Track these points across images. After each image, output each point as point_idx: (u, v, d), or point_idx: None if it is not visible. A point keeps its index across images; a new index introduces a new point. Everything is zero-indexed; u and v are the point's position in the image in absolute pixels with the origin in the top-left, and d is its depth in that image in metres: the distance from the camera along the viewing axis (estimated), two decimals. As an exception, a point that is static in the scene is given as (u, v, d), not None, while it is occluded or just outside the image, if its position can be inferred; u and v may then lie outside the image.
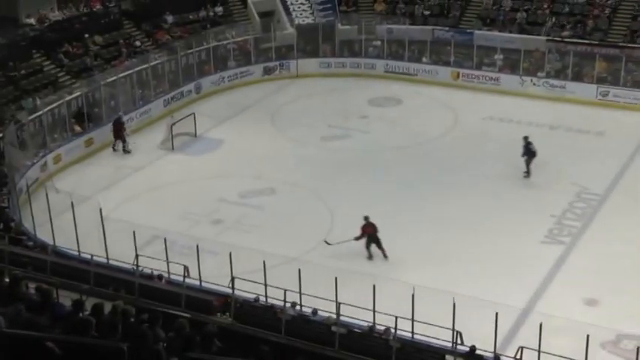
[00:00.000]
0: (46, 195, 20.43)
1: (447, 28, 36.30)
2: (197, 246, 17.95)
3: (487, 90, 33.71)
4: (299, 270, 16.59)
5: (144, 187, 25.79)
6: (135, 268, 17.48)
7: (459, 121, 30.70)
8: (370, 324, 16.30)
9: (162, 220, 22.53)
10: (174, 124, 28.72)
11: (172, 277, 18.01)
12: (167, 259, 18.29)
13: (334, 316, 15.61)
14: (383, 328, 15.83)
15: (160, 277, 17.85)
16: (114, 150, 28.46)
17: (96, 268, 16.77)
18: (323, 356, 13.83)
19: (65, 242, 20.12)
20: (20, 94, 29.25)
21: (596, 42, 33.57)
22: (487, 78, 34.20)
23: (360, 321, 16.20)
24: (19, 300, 9.14)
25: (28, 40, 31.88)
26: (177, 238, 20.18)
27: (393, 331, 15.01)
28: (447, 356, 14.61)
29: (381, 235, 21.39)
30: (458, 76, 34.65)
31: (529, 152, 25.76)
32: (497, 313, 14.96)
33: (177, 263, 17.98)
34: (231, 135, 29.91)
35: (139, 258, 17.80)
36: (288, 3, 38.13)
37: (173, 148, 28.56)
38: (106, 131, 28.91)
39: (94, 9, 35.11)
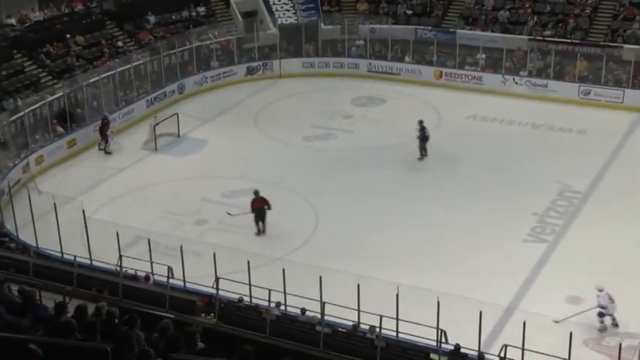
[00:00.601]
0: (29, 196, 20.33)
1: (429, 28, 36.39)
2: (181, 246, 17.92)
3: (470, 89, 33.83)
4: (283, 270, 16.60)
5: (127, 187, 25.70)
6: (118, 269, 17.42)
7: (442, 121, 30.76)
8: (355, 323, 16.33)
9: (146, 220, 22.44)
10: (157, 124, 28.63)
11: (156, 277, 17.95)
12: (151, 259, 18.25)
13: (319, 316, 15.62)
14: (367, 327, 15.87)
15: (147, 277, 17.79)
16: (99, 149, 28.32)
17: (79, 270, 16.67)
18: (308, 356, 13.84)
19: (48, 244, 20.04)
20: (1, 94, 29.03)
21: (578, 41, 33.77)
22: (470, 77, 34.32)
23: (345, 320, 16.23)
24: (1, 302, 9.08)
25: (9, 40, 31.68)
26: (161, 238, 20.12)
27: (377, 329, 15.04)
28: (431, 355, 14.64)
29: (365, 233, 21.42)
30: (441, 76, 34.74)
31: (423, 136, 26.91)
32: (481, 312, 15.02)
33: (161, 264, 17.93)
34: (215, 135, 29.85)
35: (123, 259, 17.74)
36: (271, 3, 38.09)
37: (156, 149, 28.47)
38: (88, 132, 28.79)
39: (76, 9, 34.94)
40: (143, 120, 30.57)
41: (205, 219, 23.56)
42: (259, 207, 22.40)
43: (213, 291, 16.34)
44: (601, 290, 18.04)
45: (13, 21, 32.73)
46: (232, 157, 27.84)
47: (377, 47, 36.42)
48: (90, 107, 29.49)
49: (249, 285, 17.06)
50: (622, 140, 28.59)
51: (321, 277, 15.90)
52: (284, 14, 37.88)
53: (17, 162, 25.61)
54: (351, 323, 16.29)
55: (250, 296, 17.18)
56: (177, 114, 29.53)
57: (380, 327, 15.09)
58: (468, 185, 25.18)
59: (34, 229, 20.24)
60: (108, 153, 28.24)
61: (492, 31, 35.49)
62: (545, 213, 23.52)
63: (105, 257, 18.64)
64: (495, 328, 17.53)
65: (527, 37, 34.58)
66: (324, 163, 27.34)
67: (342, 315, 16.06)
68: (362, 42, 36.60)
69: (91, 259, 19.10)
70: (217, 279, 16.46)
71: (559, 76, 33.05)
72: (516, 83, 33.30)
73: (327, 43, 37.20)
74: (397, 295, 15.42)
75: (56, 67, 31.78)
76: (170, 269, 17.53)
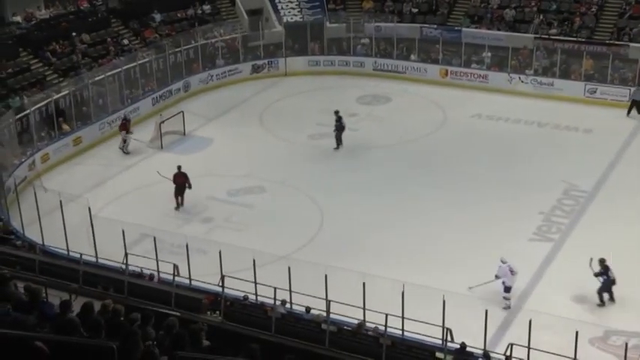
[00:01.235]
0: (35, 194, 20.36)
1: (435, 26, 36.36)
2: (187, 244, 17.91)
3: (475, 87, 33.78)
4: (289, 268, 16.59)
5: (133, 185, 25.72)
6: (124, 266, 17.43)
7: (447, 119, 30.76)
8: (360, 321, 16.32)
9: (152, 218, 22.46)
10: (162, 122, 28.65)
11: (162, 275, 17.97)
12: (156, 257, 18.26)
13: (324, 314, 15.61)
14: (372, 326, 15.86)
15: (151, 276, 17.80)
16: (123, 152, 28.32)
17: (85, 267, 16.72)
18: (313, 354, 13.86)
19: (54, 241, 20.07)
20: (7, 92, 29.08)
21: (584, 39, 33.69)
22: (475, 76, 34.27)
23: (350, 319, 16.22)
24: (8, 299, 9.09)
25: (15, 38, 31.75)
26: (167, 236, 20.11)
27: (382, 328, 15.03)
28: (437, 353, 14.63)
29: (370, 232, 21.39)
30: (446, 74, 34.71)
31: (340, 127, 27.65)
32: (486, 310, 15.01)
33: (166, 262, 17.94)
34: (220, 133, 29.86)
35: (129, 257, 17.74)
36: (277, 1, 38.12)
37: (162, 147, 28.49)
38: (94, 130, 28.84)
39: (82, 7, 35.02)
40: (149, 118, 30.58)
41: (211, 217, 23.58)
42: (180, 182, 23.79)
43: (219, 289, 16.34)
44: (504, 262, 18.98)
45: (19, 19, 32.80)
46: (238, 156, 27.85)
47: (382, 45, 36.42)
48: (95, 105, 29.53)
49: (255, 283, 17.06)
50: (628, 139, 28.52)
51: (326, 276, 15.90)
52: (289, 12, 37.89)
53: (23, 160, 25.66)
54: (356, 322, 16.30)
55: (256, 294, 17.18)
56: (182, 112, 29.54)
57: (385, 325, 15.09)
58: (473, 184, 25.14)
59: (40, 226, 20.28)
60: (126, 153, 28.16)
61: (498, 30, 35.46)
62: (551, 212, 23.48)
63: (111, 255, 18.66)
64: (501, 326, 17.52)
65: (533, 35, 34.54)
66: (329, 161, 27.31)
67: (347, 313, 16.04)
68: (367, 40, 36.60)
69: (96, 257, 19.14)
70: (223, 277, 16.46)
71: (565, 75, 33.00)
72: (522, 82, 33.24)
73: (332, 41, 37.20)
74: (403, 294, 15.41)
75: (62, 65, 31.83)
76: (176, 267, 17.53)
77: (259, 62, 36.01)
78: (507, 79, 33.50)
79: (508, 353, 14.89)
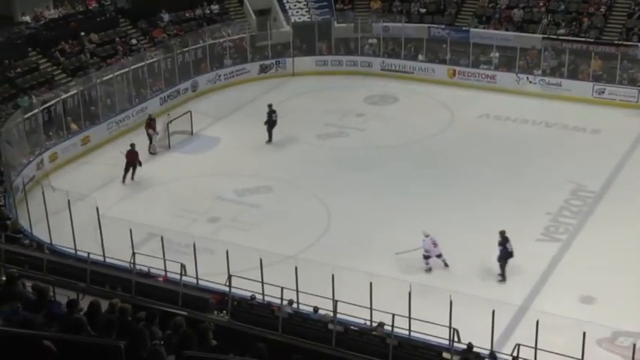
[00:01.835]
0: (43, 193, 20.42)
1: (443, 26, 36.34)
2: (194, 244, 17.94)
3: (483, 88, 33.73)
4: (296, 268, 16.60)
5: (140, 185, 25.76)
6: (131, 266, 17.47)
7: (454, 119, 30.73)
8: (367, 322, 16.33)
9: (159, 218, 22.50)
10: (170, 122, 28.70)
11: (169, 275, 18.00)
12: (164, 257, 18.28)
13: (331, 314, 15.62)
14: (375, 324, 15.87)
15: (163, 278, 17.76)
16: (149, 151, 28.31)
17: (92, 267, 16.79)
18: (320, 354, 13.87)
19: (61, 240, 20.13)
20: (16, 92, 29.22)
21: (592, 40, 33.62)
22: (483, 76, 34.22)
23: (357, 319, 16.22)
24: (16, 298, 9.13)
25: (24, 38, 31.88)
26: (174, 236, 20.14)
27: (388, 328, 15.02)
28: (444, 354, 14.61)
29: (377, 232, 21.38)
30: (454, 74, 34.66)
31: (270, 121, 28.35)
32: (493, 311, 14.98)
33: (174, 261, 17.97)
34: (228, 133, 29.90)
35: (136, 256, 17.78)
36: (284, 1, 38.15)
37: (169, 147, 28.54)
38: (102, 130, 28.90)
39: (90, 7, 35.15)
40: (156, 118, 30.57)
41: (218, 217, 23.61)
42: (131, 159, 25.54)
43: (226, 288, 16.35)
44: (427, 236, 20.49)
45: (28, 19, 32.94)
46: (245, 155, 27.87)
47: (390, 45, 36.41)
48: (104, 105, 29.61)
49: (262, 283, 17.07)
50: (636, 139, 28.43)
51: (333, 276, 15.89)
52: (297, 12, 37.91)
53: (31, 159, 25.73)
54: (363, 322, 16.30)
55: (263, 294, 17.18)
56: (190, 112, 29.59)
57: (392, 325, 15.08)
58: (481, 184, 25.10)
59: (48, 225, 20.34)
60: (152, 153, 28.05)
61: (506, 30, 35.42)
62: (559, 212, 23.43)
63: (118, 254, 18.70)
64: (508, 326, 17.49)
65: (541, 35, 34.49)
66: (337, 161, 27.32)
67: (354, 313, 16.05)
68: (375, 40, 36.59)
69: (104, 256, 19.18)
70: (230, 276, 16.47)
71: (573, 75, 32.93)
72: (530, 82, 33.18)
73: (340, 41, 37.20)
74: (409, 294, 15.40)
75: (70, 65, 31.94)
76: (183, 267, 17.56)
77: (267, 62, 36.04)
78: (515, 79, 33.45)
79: (515, 354, 14.86)
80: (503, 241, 19.99)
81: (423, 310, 15.69)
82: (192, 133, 29.55)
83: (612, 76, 32.21)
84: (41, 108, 26.91)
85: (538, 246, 21.67)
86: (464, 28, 35.88)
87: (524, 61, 33.95)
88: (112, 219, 20.71)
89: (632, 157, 27.15)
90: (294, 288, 16.87)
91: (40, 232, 20.75)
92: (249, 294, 16.83)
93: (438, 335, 15.51)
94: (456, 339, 15.24)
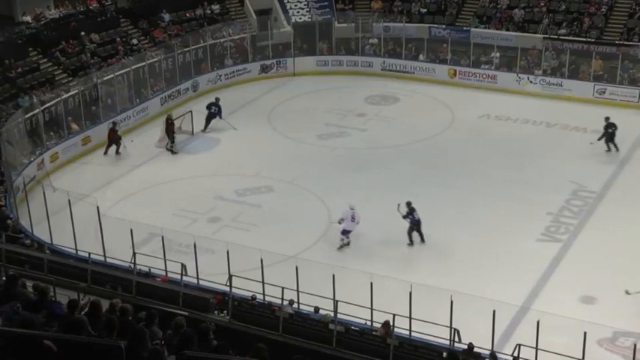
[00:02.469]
0: (43, 193, 20.43)
1: (443, 26, 36.34)
2: (194, 244, 17.94)
3: (484, 88, 33.74)
4: (296, 268, 16.60)
5: (141, 185, 25.77)
6: (132, 266, 17.48)
7: (455, 120, 30.72)
8: (368, 322, 16.33)
9: (160, 218, 22.50)
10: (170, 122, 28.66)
11: (170, 275, 18.01)
12: (164, 257, 18.30)
13: (332, 314, 15.62)
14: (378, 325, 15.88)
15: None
16: (166, 149, 28.33)
17: (93, 267, 16.80)
18: (320, 354, 13.88)
19: (62, 240, 20.15)
20: (17, 92, 29.21)
21: (593, 40, 33.61)
22: (484, 76, 34.21)
23: (358, 319, 16.22)
24: (16, 298, 9.14)
25: (25, 38, 31.87)
26: (175, 236, 20.16)
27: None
28: (444, 354, 14.60)
29: (378, 231, 21.36)
30: (455, 74, 34.66)
31: (211, 115, 29.67)
32: (494, 311, 14.98)
33: (174, 261, 17.98)
34: (228, 133, 29.87)
35: (137, 256, 17.79)
36: (285, 1, 38.13)
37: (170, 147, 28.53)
38: (103, 130, 28.88)
39: (91, 7, 35.10)
40: (157, 118, 30.64)
41: (219, 217, 23.61)
42: (114, 137, 27.63)
43: (227, 288, 16.36)
44: (352, 208, 21.38)
45: (28, 19, 32.91)
46: (246, 155, 27.87)
47: (391, 45, 36.41)
48: (104, 105, 29.61)
49: (263, 283, 17.08)
50: (637, 139, 28.43)
51: (334, 276, 15.90)
52: (298, 12, 37.91)
53: (32, 159, 25.73)
54: (364, 322, 16.30)
55: (263, 294, 17.19)
56: (191, 112, 29.59)
57: (393, 325, 15.09)
58: (481, 184, 25.10)
59: (49, 225, 20.34)
60: (175, 152, 28.14)
61: (507, 30, 35.41)
62: (560, 212, 23.43)
63: (119, 254, 18.72)
64: (509, 327, 17.48)
65: (542, 35, 34.49)
66: (338, 161, 27.32)
67: (355, 313, 16.05)
68: (376, 40, 36.60)
69: (105, 256, 19.19)
70: (230, 276, 16.48)
71: (574, 75, 32.92)
72: (531, 82, 33.17)
73: (341, 41, 37.21)
74: (410, 294, 15.40)
75: (71, 65, 31.93)
76: (183, 267, 17.56)
77: (268, 62, 36.04)
78: (516, 79, 33.44)
79: (516, 354, 14.87)
80: (410, 211, 21.35)
81: (423, 310, 15.69)
82: (192, 133, 29.55)
83: (613, 77, 32.20)
84: (42, 108, 26.90)
85: (539, 246, 21.67)
86: (465, 28, 35.88)
87: (525, 61, 33.95)
88: (112, 219, 20.72)
89: (632, 157, 27.15)
90: (295, 288, 16.87)
91: (40, 232, 20.76)
92: (250, 294, 16.83)
93: (438, 335, 15.52)
94: (456, 339, 15.24)
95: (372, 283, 15.79)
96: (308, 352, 13.62)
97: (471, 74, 34.38)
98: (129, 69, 30.78)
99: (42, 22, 32.93)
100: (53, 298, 10.36)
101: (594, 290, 19.32)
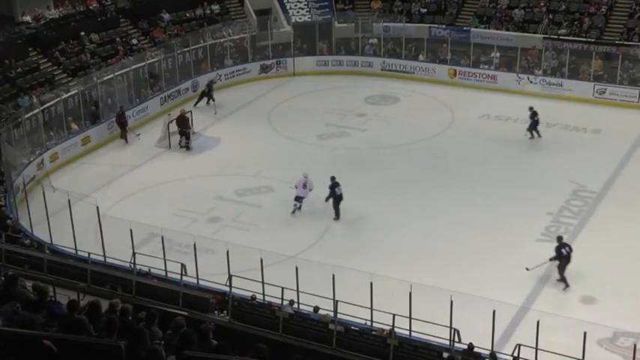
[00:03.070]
0: (43, 193, 20.42)
1: (443, 26, 36.34)
2: (194, 244, 17.93)
3: (484, 88, 33.74)
4: (296, 268, 16.59)
5: (141, 185, 25.77)
6: (132, 266, 17.47)
7: (455, 120, 30.71)
8: (367, 322, 16.31)
9: (159, 218, 22.48)
10: (171, 122, 28.68)
11: (170, 275, 18.00)
12: (164, 257, 18.28)
13: (331, 314, 15.62)
14: (380, 327, 15.85)
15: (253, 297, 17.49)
16: (180, 146, 28.53)
17: (93, 267, 16.78)
18: (320, 354, 13.87)
19: (62, 240, 20.14)
20: (17, 92, 29.21)
21: (593, 40, 33.61)
22: (484, 76, 34.21)
23: (358, 319, 16.21)
24: (16, 298, 9.13)
25: (25, 38, 31.87)
26: (175, 236, 20.16)
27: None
28: (444, 354, 14.60)
29: (377, 232, 21.36)
30: (455, 74, 34.66)
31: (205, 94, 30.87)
32: (494, 311, 14.97)
33: (174, 261, 17.96)
34: (228, 133, 29.87)
35: (136, 256, 17.78)
36: (285, 1, 38.13)
37: (170, 147, 28.52)
38: (102, 129, 28.93)
39: (91, 7, 35.12)
40: (157, 118, 30.64)
41: (219, 217, 23.60)
42: (122, 121, 28.61)
43: (227, 289, 16.35)
44: (305, 177, 23.36)
45: (28, 19, 32.91)
46: (246, 155, 27.86)
47: (391, 45, 36.41)
48: (104, 105, 29.62)
49: (263, 283, 17.06)
50: (637, 139, 28.42)
51: (333, 276, 15.89)
52: (298, 12, 37.90)
53: (32, 159, 25.73)
54: (364, 322, 16.29)
55: (263, 294, 17.18)
56: (191, 111, 29.56)
57: (393, 325, 15.08)
58: (481, 184, 25.11)
59: (49, 225, 20.33)
60: (189, 149, 28.44)
61: (507, 30, 35.41)
62: (560, 212, 23.42)
63: (118, 254, 18.70)
64: (509, 327, 17.48)
65: (542, 35, 34.49)
66: (338, 161, 27.31)
67: (354, 313, 16.04)
68: (376, 40, 36.60)
69: (104, 256, 19.18)
70: (230, 277, 16.47)
71: (574, 75, 32.93)
72: (531, 82, 33.17)
73: (340, 41, 37.21)
74: (410, 294, 15.39)
75: (71, 65, 31.93)
76: (183, 267, 17.55)
77: (268, 62, 36.04)
78: (516, 79, 33.44)
79: (516, 354, 14.85)
80: (334, 185, 22.78)
81: (423, 310, 15.68)
82: (192, 133, 29.50)
83: (613, 77, 32.20)
84: (42, 108, 26.91)
85: (539, 246, 21.63)
86: (465, 28, 35.88)
87: (525, 61, 33.95)
88: (112, 219, 20.72)
89: (632, 157, 27.14)
90: (295, 288, 16.86)
91: (40, 232, 20.75)
92: (250, 294, 16.82)
93: (438, 335, 15.51)
94: (456, 339, 15.23)
95: (371, 283, 15.78)
96: (308, 352, 13.61)
97: (471, 74, 34.38)
98: (129, 69, 30.78)
99: (42, 22, 32.93)
100: (53, 298, 10.35)
101: (594, 290, 19.32)
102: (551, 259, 19.59)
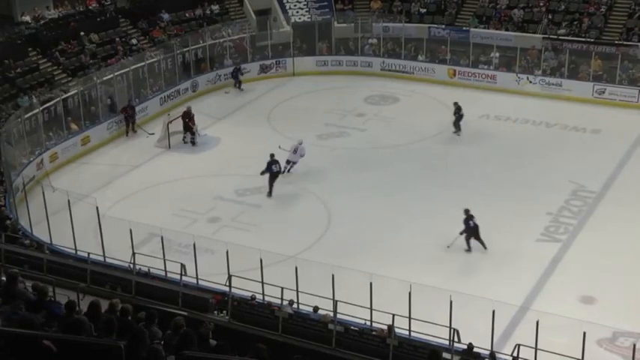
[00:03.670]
0: (43, 193, 20.42)
1: (443, 26, 36.34)
2: (194, 244, 17.94)
3: (483, 88, 33.74)
4: (296, 268, 16.59)
5: (140, 185, 25.77)
6: (132, 266, 17.47)
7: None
8: (367, 322, 16.32)
9: (159, 218, 22.47)
10: (170, 122, 28.68)
11: (169, 275, 18.00)
12: (164, 257, 18.28)
13: (331, 314, 15.62)
14: (379, 327, 15.85)
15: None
16: (184, 142, 28.71)
17: (92, 267, 16.77)
18: (320, 354, 13.88)
19: (62, 240, 20.14)
20: (16, 92, 29.19)
21: (592, 40, 33.61)
22: (483, 76, 34.21)
23: (357, 319, 16.21)
24: (16, 298, 9.13)
25: (24, 38, 31.86)
26: (174, 236, 20.16)
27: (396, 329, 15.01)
28: (444, 354, 14.59)
29: (377, 232, 21.38)
30: (454, 74, 34.66)
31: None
32: (493, 311, 14.97)
33: (174, 261, 17.96)
34: (228, 133, 29.88)
35: (136, 256, 17.77)
36: (285, 1, 38.14)
37: (170, 147, 28.52)
38: (102, 129, 28.92)
39: (90, 7, 35.10)
40: (156, 118, 30.63)
41: (218, 217, 23.61)
42: (125, 111, 29.06)
43: (226, 289, 16.35)
44: (300, 143, 25.74)
45: (28, 19, 32.90)
46: (245, 155, 27.82)
47: (390, 45, 36.39)
48: (104, 105, 29.62)
49: (262, 283, 17.06)
50: (637, 139, 28.43)
51: (333, 276, 15.89)
52: (297, 12, 37.91)
53: (31, 159, 25.73)
54: (363, 322, 16.29)
55: (263, 294, 17.18)
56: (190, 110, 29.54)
57: (392, 325, 15.08)
58: (481, 184, 25.10)
59: (48, 225, 20.34)
60: (194, 144, 28.69)
61: (506, 30, 35.41)
62: (559, 212, 23.43)
63: (118, 254, 18.70)
64: (508, 327, 17.49)
65: (541, 35, 34.49)
66: (338, 161, 27.31)
67: (354, 313, 16.05)
68: (375, 40, 36.59)
69: (104, 256, 19.18)
70: (230, 277, 16.47)
71: (573, 75, 32.92)
72: (530, 82, 33.17)
73: (340, 41, 37.19)
74: (410, 294, 15.39)
75: (70, 65, 31.92)
76: (183, 267, 17.55)
77: (267, 62, 36.03)
78: (515, 79, 33.44)
79: (515, 354, 14.86)
80: (271, 162, 24.57)
81: (423, 310, 15.68)
82: (196, 131, 29.49)
83: (612, 76, 32.21)
84: (41, 108, 26.89)
85: (538, 246, 21.68)
86: (464, 28, 35.88)
87: (525, 61, 33.95)
88: (112, 219, 20.72)
89: (632, 157, 27.15)
90: (294, 288, 16.87)
91: (40, 232, 20.75)
92: (250, 294, 16.83)
93: (438, 335, 15.51)
94: (456, 339, 15.23)
95: (371, 283, 15.78)
96: (307, 352, 13.61)
97: (470, 74, 34.38)
98: (128, 69, 30.77)
99: (41, 23, 32.92)
100: (52, 298, 10.35)
101: (594, 290, 19.32)
102: (461, 233, 21.19)
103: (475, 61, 34.61)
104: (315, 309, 16.57)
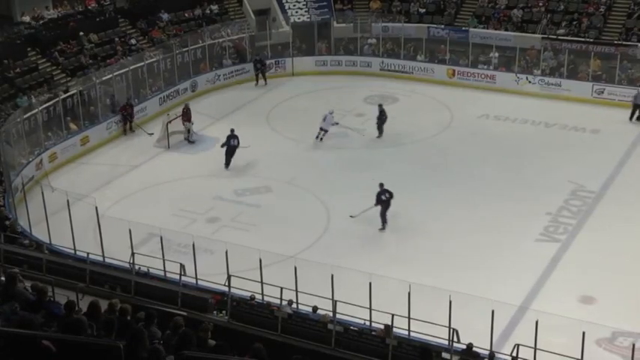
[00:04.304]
0: (42, 193, 20.41)
1: (442, 26, 36.35)
2: (193, 244, 17.93)
3: (482, 88, 33.75)
4: (295, 268, 16.59)
5: (140, 185, 25.76)
6: (131, 266, 17.47)
7: (454, 119, 30.71)
8: (367, 322, 16.32)
9: (158, 218, 22.46)
10: (169, 122, 28.68)
11: (168, 275, 17.99)
12: (163, 257, 18.26)
13: (330, 314, 15.62)
14: (379, 327, 15.85)
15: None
16: (185, 139, 28.93)
17: (92, 267, 16.77)
18: (319, 354, 13.87)
19: (61, 240, 20.11)
20: (15, 92, 29.19)
21: (592, 40, 33.63)
22: (482, 76, 34.22)
23: (357, 319, 16.21)
24: (15, 298, 9.13)
25: (23, 38, 31.86)
26: (173, 236, 20.15)
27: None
28: (443, 354, 14.60)
29: (377, 232, 21.33)
30: (453, 74, 34.67)
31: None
32: (493, 311, 14.96)
33: (173, 261, 17.95)
34: (227, 133, 29.79)
35: (135, 256, 17.77)
36: (284, 1, 38.15)
37: (169, 147, 28.52)
38: (102, 129, 28.91)
39: (90, 7, 35.11)
40: (156, 118, 30.63)
41: (218, 217, 23.60)
42: (129, 111, 29.36)
43: (225, 289, 16.35)
44: (331, 113, 28.29)
45: (27, 19, 32.91)
46: (245, 155, 27.80)
47: (389, 45, 36.40)
48: (103, 105, 29.61)
49: (261, 283, 17.05)
50: (636, 139, 28.45)
51: (332, 276, 15.89)
52: (297, 12, 37.91)
53: (31, 159, 25.72)
54: (363, 322, 16.29)
55: (262, 294, 17.17)
56: (189, 108, 29.53)
57: (392, 325, 15.08)
58: (480, 184, 25.11)
59: (48, 226, 20.32)
60: (191, 142, 28.80)
61: (506, 30, 35.43)
62: (559, 212, 23.43)
63: (117, 254, 18.68)
64: (508, 327, 17.49)
65: (540, 35, 34.52)
66: (337, 161, 27.32)
67: (353, 313, 16.05)
68: (374, 40, 36.59)
69: (103, 256, 19.17)
70: (229, 277, 16.46)
71: (572, 75, 32.94)
72: (529, 82, 33.18)
73: (339, 41, 37.21)
74: (409, 294, 15.39)
75: (70, 65, 31.92)
76: (182, 267, 17.53)
77: (266, 62, 35.99)
78: (515, 79, 33.45)
79: (514, 354, 14.86)
80: (231, 136, 26.30)
81: (422, 310, 15.68)
82: (189, 130, 29.48)
83: (611, 76, 32.22)
84: (40, 108, 26.88)
85: (538, 246, 21.68)
86: (463, 28, 35.90)
87: (524, 61, 33.96)
88: (111, 219, 20.71)
89: (631, 156, 27.16)
90: (294, 288, 16.86)
91: (39, 232, 20.75)
92: (249, 294, 16.82)
93: (437, 335, 15.51)
94: (455, 339, 15.23)
95: (370, 283, 15.78)
96: (307, 352, 13.60)
97: (469, 74, 34.40)
98: (127, 69, 30.76)
99: (40, 22, 32.92)
100: (52, 298, 10.35)
101: (593, 290, 19.32)
102: (375, 205, 22.11)
103: (474, 61, 34.62)
104: (315, 309, 16.57)
